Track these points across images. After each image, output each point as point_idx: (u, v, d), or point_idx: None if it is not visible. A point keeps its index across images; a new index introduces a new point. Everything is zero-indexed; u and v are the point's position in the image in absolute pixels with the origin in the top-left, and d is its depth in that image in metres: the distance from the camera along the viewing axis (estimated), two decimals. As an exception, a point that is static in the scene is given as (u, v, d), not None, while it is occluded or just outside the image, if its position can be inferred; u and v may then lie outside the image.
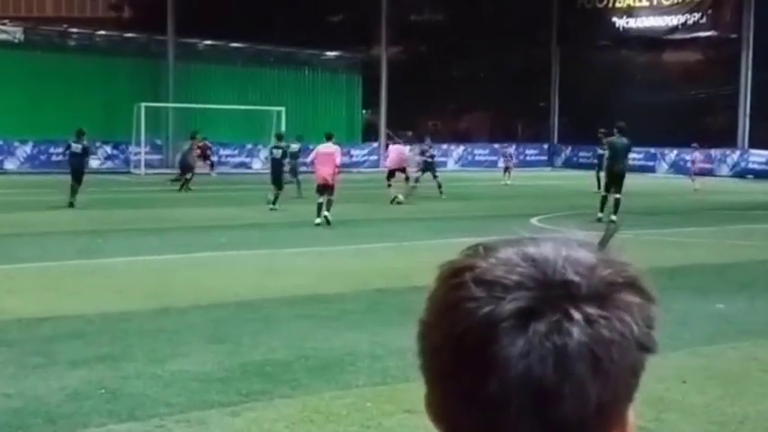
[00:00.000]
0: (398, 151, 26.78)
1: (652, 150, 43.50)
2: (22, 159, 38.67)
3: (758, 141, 41.72)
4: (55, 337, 8.76)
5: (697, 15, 44.67)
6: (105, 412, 6.58)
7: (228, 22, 42.83)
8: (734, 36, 43.59)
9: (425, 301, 0.87)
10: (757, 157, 41.57)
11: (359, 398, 6.98)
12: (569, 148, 48.71)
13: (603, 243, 0.88)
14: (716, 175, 40.50)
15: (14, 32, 41.49)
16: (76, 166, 23.86)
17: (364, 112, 49.08)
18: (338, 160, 20.22)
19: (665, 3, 45.91)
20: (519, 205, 24.48)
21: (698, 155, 35.69)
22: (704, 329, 9.46)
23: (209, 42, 44.38)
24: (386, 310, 9.94)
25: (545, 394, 0.79)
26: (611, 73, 47.28)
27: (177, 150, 40.33)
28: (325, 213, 19.10)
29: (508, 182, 34.58)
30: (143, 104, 37.85)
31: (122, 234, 17.21)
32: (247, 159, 42.44)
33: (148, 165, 38.44)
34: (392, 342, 8.20)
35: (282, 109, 39.86)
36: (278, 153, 24.71)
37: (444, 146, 45.22)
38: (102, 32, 45.06)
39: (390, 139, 41.65)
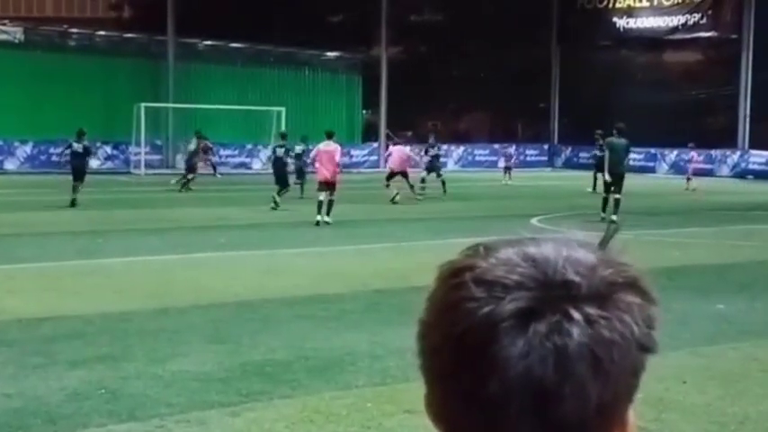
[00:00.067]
0: (401, 152, 26.72)
1: (652, 151, 43.52)
2: (22, 159, 38.68)
3: (758, 142, 41.71)
4: (55, 337, 8.76)
5: (697, 16, 44.68)
6: (105, 412, 6.58)
7: (228, 22, 42.83)
8: (734, 36, 43.59)
9: (425, 302, 0.87)
10: (757, 157, 41.57)
11: (359, 398, 6.98)
12: (569, 149, 48.71)
13: (604, 243, 0.88)
14: (716, 176, 40.53)
15: (14, 32, 41.50)
16: (78, 166, 23.93)
17: (364, 112, 49.09)
18: (338, 158, 20.32)
19: (666, 3, 45.91)
20: (519, 205, 24.48)
21: (694, 155, 35.71)
22: (704, 330, 9.46)
23: (209, 42, 44.39)
24: (385, 311, 9.94)
25: (545, 394, 0.79)
26: (611, 73, 47.28)
27: (178, 151, 40.49)
28: (326, 219, 19.17)
29: (508, 182, 34.60)
30: (143, 105, 37.86)
31: (122, 234, 17.22)
32: (247, 160, 42.46)
33: (148, 165, 38.45)
34: (392, 342, 8.20)
35: (282, 109, 39.88)
36: (281, 152, 24.79)
37: (444, 146, 45.17)
38: (102, 32, 45.07)
39: (390, 139, 41.65)
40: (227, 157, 40.62)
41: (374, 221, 20.11)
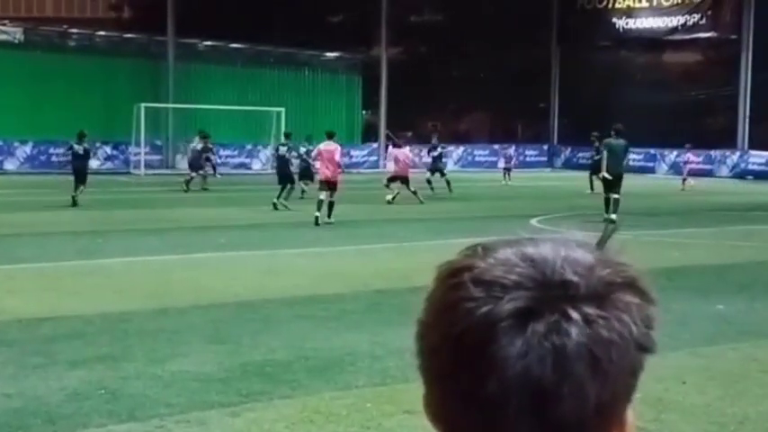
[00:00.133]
0: (405, 157, 26.72)
1: (652, 151, 43.52)
2: (22, 160, 38.67)
3: (758, 142, 41.70)
4: (55, 337, 8.76)
5: (697, 16, 44.68)
6: (105, 412, 6.58)
7: (228, 22, 42.82)
8: (734, 37, 43.58)
9: (424, 302, 0.87)
10: (757, 158, 41.57)
11: (359, 398, 6.98)
12: (569, 149, 48.69)
13: (602, 243, 0.89)
14: (716, 176, 40.54)
15: (14, 33, 41.48)
16: (79, 168, 24.01)
17: (364, 112, 49.08)
18: (338, 158, 20.44)
19: (665, 3, 45.91)
20: (519, 206, 24.48)
21: (690, 156, 35.73)
22: (704, 330, 9.46)
23: (209, 43, 44.39)
24: (386, 311, 9.94)
25: (544, 394, 0.80)
26: (611, 73, 47.26)
27: (178, 151, 40.50)
28: (327, 219, 19.26)
29: (508, 183, 34.61)
30: (143, 105, 37.85)
31: (122, 234, 17.22)
32: (247, 160, 42.46)
33: (148, 165, 38.45)
34: (392, 342, 8.20)
35: (282, 110, 39.88)
36: (283, 150, 24.85)
37: (450, 147, 45.19)
38: (102, 33, 45.04)
39: (390, 139, 41.65)
40: (227, 157, 40.61)
41: (374, 222, 20.12)
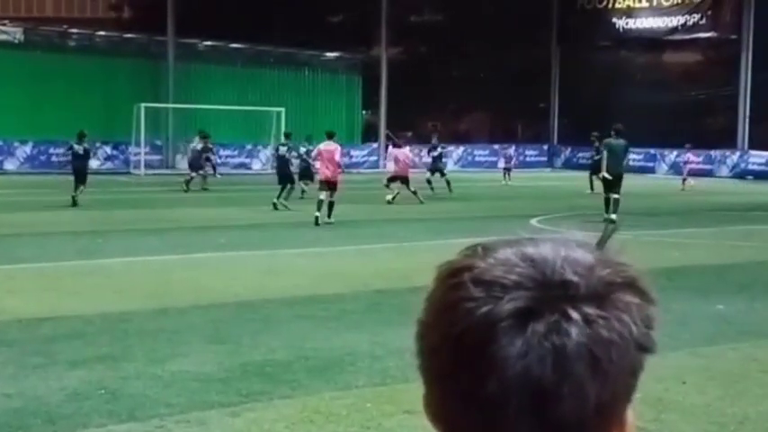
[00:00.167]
0: (406, 157, 26.74)
1: (652, 151, 43.52)
2: (22, 160, 38.67)
3: (758, 142, 41.70)
4: (55, 337, 8.76)
5: (697, 16, 44.68)
6: (105, 412, 6.58)
7: (228, 22, 42.82)
8: (734, 37, 43.58)
9: (424, 302, 0.87)
10: (757, 158, 41.57)
11: (359, 398, 6.98)
12: (569, 149, 48.69)
13: (601, 243, 0.89)
14: (715, 176, 40.54)
15: (14, 33, 41.48)
16: (79, 168, 24.05)
17: (364, 112, 49.08)
18: (338, 158, 20.50)
19: (665, 3, 45.91)
20: (519, 206, 24.49)
21: (690, 156, 35.75)
22: (704, 330, 9.46)
23: (209, 43, 44.39)
24: (386, 311, 9.94)
25: (544, 394, 0.80)
26: (610, 73, 47.26)
27: (178, 151, 40.50)
28: (327, 219, 19.30)
29: (508, 182, 34.62)
30: (143, 105, 37.85)
31: (122, 234, 17.22)
32: (247, 160, 42.46)
33: (148, 165, 38.45)
34: (392, 342, 8.20)
35: (282, 110, 39.89)
36: (283, 150, 24.88)
37: (450, 147, 45.20)
38: (102, 33, 45.04)
39: (390, 139, 41.63)
40: (226, 157, 40.62)
41: (374, 222, 20.12)
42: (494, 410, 0.81)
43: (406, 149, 27.63)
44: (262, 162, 41.95)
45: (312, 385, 7.34)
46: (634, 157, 35.28)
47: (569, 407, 0.80)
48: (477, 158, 47.78)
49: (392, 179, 26.15)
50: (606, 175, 20.76)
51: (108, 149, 39.87)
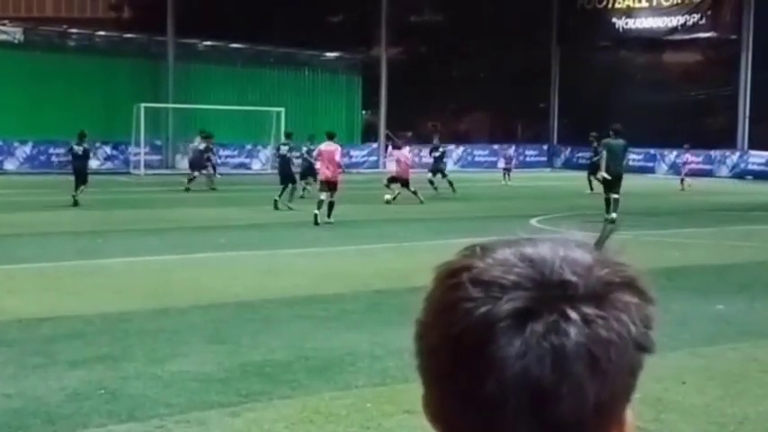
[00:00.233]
0: (406, 158, 26.77)
1: (651, 151, 43.52)
2: (22, 160, 38.66)
3: (757, 142, 41.70)
4: (55, 337, 8.76)
5: (696, 16, 44.68)
6: (105, 413, 6.58)
7: (228, 22, 42.81)
8: (733, 37, 43.57)
9: (423, 302, 0.87)
10: (757, 158, 41.56)
11: (358, 398, 6.98)
12: (569, 149, 48.68)
13: (600, 243, 0.89)
14: (715, 176, 40.54)
15: (14, 33, 41.48)
16: (79, 168, 24.10)
17: (364, 112, 49.07)
18: (338, 158, 20.56)
19: (665, 4, 45.91)
20: (518, 206, 24.49)
21: (688, 156, 35.76)
22: (704, 330, 9.46)
23: (208, 43, 44.37)
24: (386, 311, 9.94)
25: (542, 394, 0.80)
26: (610, 74, 47.25)
27: (177, 151, 40.50)
28: (327, 219, 19.33)
29: (508, 183, 34.62)
30: (143, 105, 37.85)
31: (122, 234, 17.22)
32: (247, 160, 42.45)
33: (148, 165, 38.45)
34: (392, 342, 8.19)
35: (282, 110, 39.89)
36: (285, 149, 24.91)
37: (451, 146, 45.20)
38: (102, 33, 45.03)
39: (390, 139, 41.64)
40: (226, 157, 40.60)
41: (374, 222, 20.12)
42: (493, 411, 0.81)
43: (406, 150, 27.64)
44: (261, 162, 41.95)
45: (312, 385, 7.34)
46: (634, 157, 35.27)
47: (568, 407, 0.80)
48: (476, 158, 47.77)
49: (392, 180, 26.20)
50: (605, 176, 20.75)
51: (108, 149, 39.86)
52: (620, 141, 21.03)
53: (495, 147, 47.12)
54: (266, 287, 11.73)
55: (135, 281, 12.08)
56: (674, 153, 41.54)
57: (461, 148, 47.88)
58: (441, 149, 29.76)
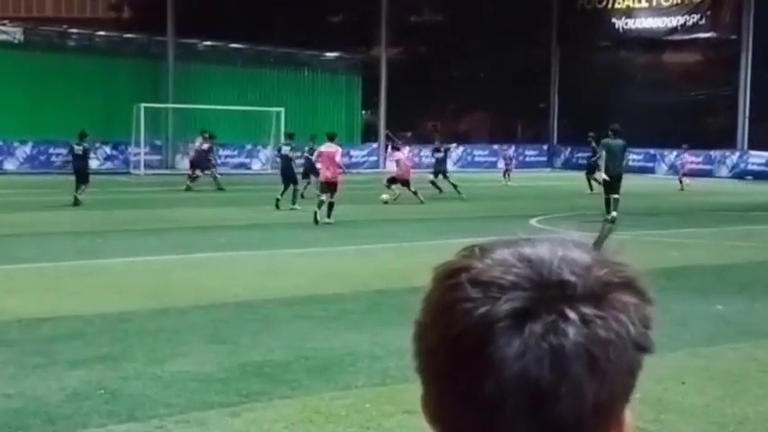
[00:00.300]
0: (405, 158, 26.77)
1: (651, 151, 43.52)
2: (22, 160, 38.67)
3: (757, 142, 41.71)
4: (55, 337, 8.76)
5: (696, 16, 44.68)
6: (105, 413, 6.58)
7: (228, 22, 42.81)
8: (733, 37, 43.58)
9: (421, 303, 0.87)
10: (756, 158, 41.57)
11: (358, 398, 6.98)
12: (569, 149, 48.68)
13: (598, 243, 0.89)
14: (715, 177, 40.54)
15: (14, 33, 41.47)
16: (80, 168, 24.15)
17: (364, 112, 49.07)
18: (339, 159, 20.61)
19: (665, 4, 45.91)
20: (518, 206, 24.49)
21: (687, 156, 35.76)
22: (704, 330, 9.46)
23: (208, 43, 44.38)
24: (386, 311, 9.94)
25: (541, 395, 0.80)
26: (610, 74, 47.26)
27: (178, 151, 40.51)
28: (327, 219, 19.35)
29: (508, 183, 34.62)
30: (143, 105, 37.85)
31: (122, 234, 17.22)
32: (247, 160, 42.46)
33: (148, 165, 38.45)
34: (392, 343, 8.19)
35: (282, 110, 39.89)
36: (286, 149, 24.95)
37: (452, 145, 45.13)
38: (102, 33, 45.02)
39: (390, 140, 41.63)
40: (226, 157, 40.62)
41: (374, 222, 20.12)
42: (491, 411, 0.81)
43: (406, 150, 27.66)
44: (261, 162, 41.95)
45: (312, 385, 7.34)
46: (634, 157, 35.30)
47: (567, 407, 0.80)
48: (476, 159, 47.76)
49: (392, 180, 26.22)
50: (605, 177, 20.73)
51: (108, 149, 39.85)
52: (619, 141, 21.02)
53: (495, 147, 47.12)
54: (266, 287, 11.73)
55: (135, 281, 12.08)
56: (674, 153, 41.53)
57: (461, 149, 47.87)
58: (443, 150, 29.56)
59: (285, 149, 25.26)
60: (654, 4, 46.31)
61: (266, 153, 41.34)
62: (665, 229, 19.44)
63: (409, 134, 45.75)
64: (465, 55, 50.40)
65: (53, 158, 37.51)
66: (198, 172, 29.98)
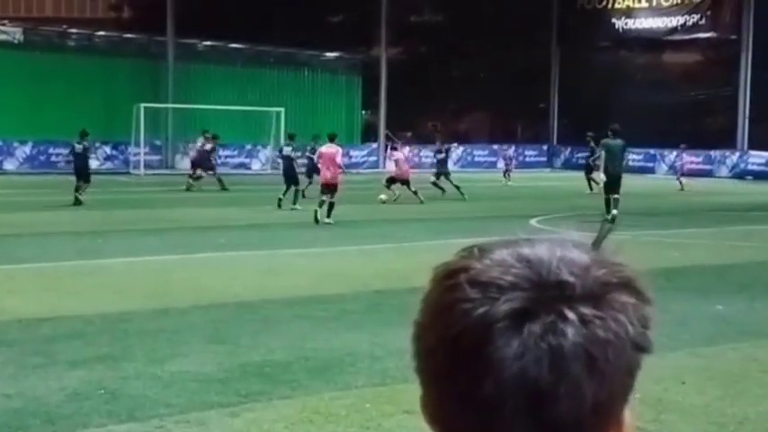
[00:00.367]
0: (404, 158, 26.78)
1: (651, 151, 43.51)
2: (22, 160, 38.67)
3: (757, 142, 41.71)
4: (55, 337, 8.76)
5: (696, 16, 44.69)
6: (105, 413, 6.59)
7: (228, 22, 42.82)
8: (733, 37, 43.59)
9: (420, 303, 0.88)
10: (756, 158, 41.57)
11: (358, 399, 6.98)
12: (568, 149, 48.67)
13: (597, 243, 0.89)
14: (715, 177, 40.54)
15: (14, 33, 41.47)
16: (80, 166, 24.18)
17: (364, 112, 49.07)
18: (339, 160, 20.63)
19: (665, 4, 45.92)
20: (518, 206, 24.49)
21: (685, 155, 35.76)
22: (704, 330, 9.46)
23: (208, 43, 44.38)
24: (386, 311, 9.94)
25: (540, 395, 0.80)
26: (610, 74, 47.26)
27: (178, 151, 40.51)
28: (327, 219, 19.37)
29: (508, 183, 34.63)
30: (142, 105, 37.85)
31: (122, 234, 17.22)
32: (247, 160, 42.45)
33: (148, 165, 38.45)
34: (392, 343, 8.19)
35: (282, 110, 39.89)
36: (288, 150, 25.00)
37: (454, 145, 45.11)
38: (102, 33, 45.02)
39: (390, 140, 41.61)
40: (226, 157, 40.62)
41: (374, 222, 20.12)
42: (490, 411, 0.81)
43: (406, 150, 27.68)
44: (261, 162, 41.95)
45: (312, 386, 7.34)
46: (634, 157, 35.29)
47: (566, 407, 0.80)
48: (476, 159, 47.75)
49: (392, 180, 26.22)
50: (603, 177, 20.72)
51: (108, 149, 39.84)
52: (619, 141, 21.01)
53: (495, 147, 47.11)
54: (266, 287, 11.73)
55: (135, 281, 12.09)
56: (674, 153, 41.53)
57: (461, 149, 47.86)
58: (444, 151, 29.40)
59: (287, 150, 25.33)
60: (654, 4, 46.31)
61: (266, 153, 41.34)
62: (665, 229, 19.44)
63: (409, 134, 45.73)
64: (465, 55, 50.40)
65: (53, 158, 37.51)
66: (200, 172, 30.00)
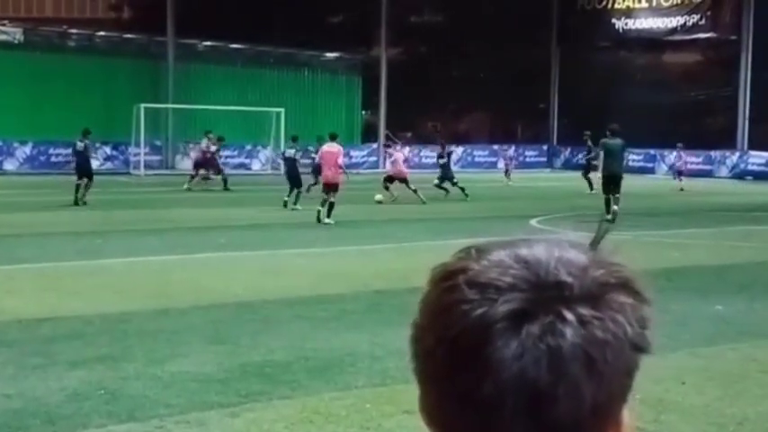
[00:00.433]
0: (402, 158, 26.81)
1: (651, 152, 43.51)
2: (22, 160, 38.67)
3: (757, 143, 41.72)
4: (54, 337, 8.76)
5: (696, 17, 44.69)
6: (105, 413, 6.59)
7: (228, 22, 42.82)
8: (733, 37, 43.60)
9: (418, 304, 0.88)
10: (756, 158, 41.57)
11: (358, 399, 6.99)
12: (568, 150, 48.67)
13: (595, 243, 0.89)
14: (715, 177, 40.54)
15: (14, 33, 41.47)
16: (82, 164, 24.21)
17: (364, 113, 49.08)
18: (340, 160, 20.66)
19: (665, 4, 45.92)
20: (518, 206, 24.49)
21: (682, 155, 35.77)
22: (703, 330, 9.46)
23: (208, 43, 44.38)
24: (386, 311, 9.94)
25: (539, 396, 0.80)
26: (610, 74, 47.28)
27: (178, 152, 40.52)
28: (327, 220, 19.38)
29: (509, 183, 34.64)
30: (143, 105, 37.85)
31: (122, 235, 17.22)
32: (247, 160, 42.44)
33: (148, 166, 38.45)
34: (392, 343, 8.19)
35: (282, 110, 39.89)
36: (291, 152, 25.04)
37: (456, 147, 45.12)
38: (102, 33, 45.02)
39: (390, 140, 41.60)
40: (226, 157, 40.52)
41: (374, 222, 20.13)
42: (489, 412, 0.81)
43: (406, 150, 27.68)
44: (261, 162, 41.95)
45: (312, 386, 7.34)
46: (634, 157, 35.30)
47: (565, 408, 0.80)
48: (476, 159, 47.74)
49: (390, 179, 26.21)
50: (599, 176, 20.72)
51: (108, 150, 39.84)
52: (618, 141, 20.99)
53: (495, 147, 47.10)
54: (266, 287, 11.73)
55: (135, 281, 12.09)
56: (674, 153, 41.53)
57: (461, 149, 47.86)
58: (445, 156, 29.05)
59: (290, 152, 25.35)
60: (654, 4, 46.32)
61: (266, 153, 41.32)
62: (665, 229, 19.44)
63: (409, 134, 45.74)
64: (465, 55, 50.41)
65: (53, 159, 37.51)
66: (207, 173, 30.10)
